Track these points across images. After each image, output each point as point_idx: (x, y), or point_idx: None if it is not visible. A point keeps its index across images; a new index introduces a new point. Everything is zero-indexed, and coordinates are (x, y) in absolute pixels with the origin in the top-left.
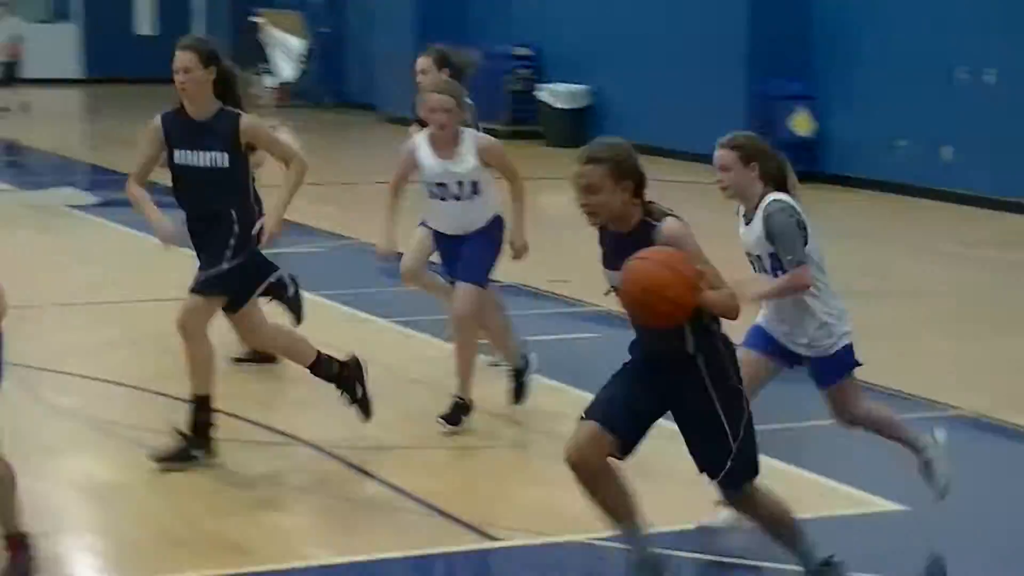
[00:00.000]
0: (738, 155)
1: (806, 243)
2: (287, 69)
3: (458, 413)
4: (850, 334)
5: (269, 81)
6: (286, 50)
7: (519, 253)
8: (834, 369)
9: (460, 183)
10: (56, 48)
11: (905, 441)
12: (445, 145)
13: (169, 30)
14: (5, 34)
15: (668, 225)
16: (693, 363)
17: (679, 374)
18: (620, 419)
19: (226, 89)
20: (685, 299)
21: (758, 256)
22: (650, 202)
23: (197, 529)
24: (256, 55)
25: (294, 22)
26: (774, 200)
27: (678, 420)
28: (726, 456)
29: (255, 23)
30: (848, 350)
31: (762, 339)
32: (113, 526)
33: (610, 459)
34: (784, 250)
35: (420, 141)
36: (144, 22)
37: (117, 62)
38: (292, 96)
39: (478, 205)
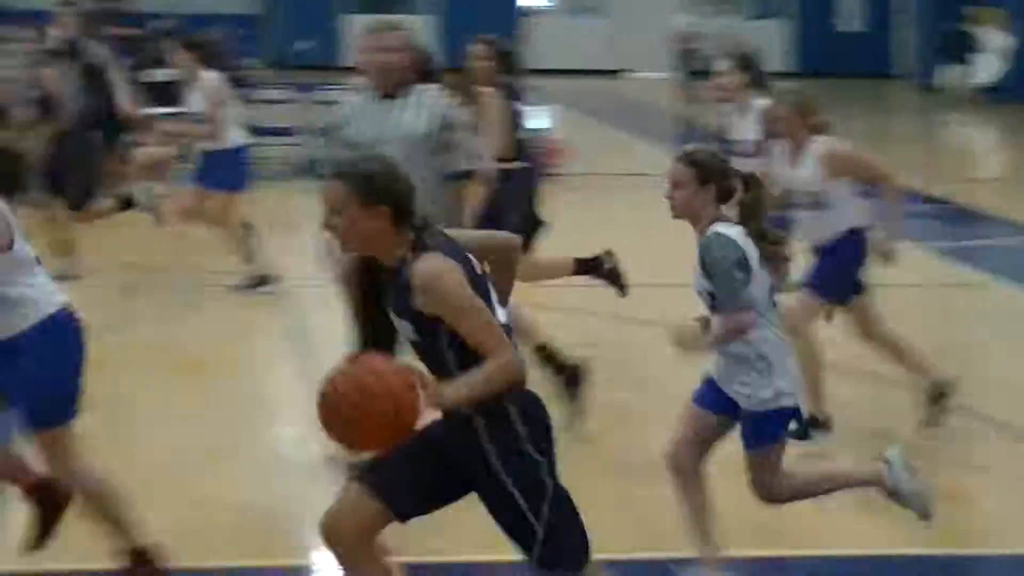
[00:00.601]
0: (695, 172)
1: (747, 283)
2: (992, 66)
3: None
4: (779, 390)
5: (971, 78)
6: (992, 47)
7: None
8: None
9: None
10: (769, 43)
11: (859, 484)
12: None
13: (874, 27)
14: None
15: (420, 265)
16: (470, 426)
17: (458, 440)
18: (397, 489)
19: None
20: (397, 426)
21: (699, 292)
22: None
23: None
24: (960, 51)
25: (1000, 17)
26: (716, 232)
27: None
28: (531, 542)
29: (961, 18)
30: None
31: (708, 391)
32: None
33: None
34: (719, 289)
35: None
36: (850, 18)
37: (823, 57)
38: (994, 92)
39: None
